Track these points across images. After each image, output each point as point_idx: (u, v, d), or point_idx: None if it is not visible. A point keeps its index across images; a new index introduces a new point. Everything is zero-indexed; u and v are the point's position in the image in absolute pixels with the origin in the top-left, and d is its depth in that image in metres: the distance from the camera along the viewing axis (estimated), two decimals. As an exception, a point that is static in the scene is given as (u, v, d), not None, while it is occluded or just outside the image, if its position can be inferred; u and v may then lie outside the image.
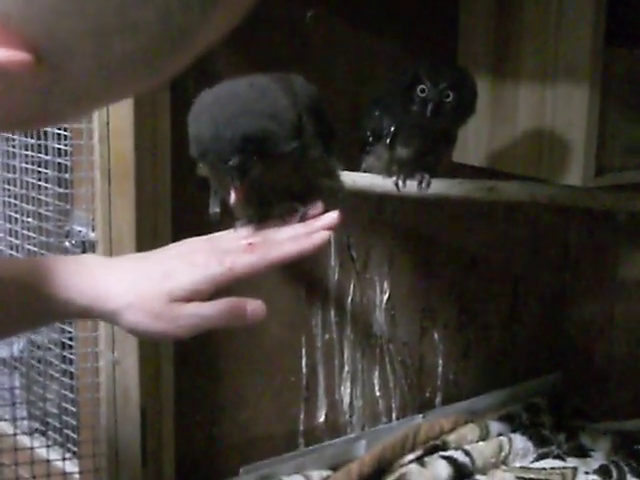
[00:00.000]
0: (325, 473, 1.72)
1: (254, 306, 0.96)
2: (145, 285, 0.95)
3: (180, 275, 0.95)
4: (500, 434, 1.85)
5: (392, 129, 1.43)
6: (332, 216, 1.01)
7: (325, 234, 1.00)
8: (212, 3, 0.52)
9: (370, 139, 1.47)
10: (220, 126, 0.95)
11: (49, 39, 0.50)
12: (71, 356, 1.55)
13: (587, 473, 1.76)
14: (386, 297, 1.82)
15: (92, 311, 0.96)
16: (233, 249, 0.98)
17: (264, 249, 0.98)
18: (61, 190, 1.49)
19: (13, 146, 1.54)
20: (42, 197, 1.52)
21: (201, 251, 0.98)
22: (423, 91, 1.39)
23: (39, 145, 1.49)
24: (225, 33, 0.57)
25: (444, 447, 1.79)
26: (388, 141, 1.44)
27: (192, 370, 1.60)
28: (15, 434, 1.59)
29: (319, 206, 1.03)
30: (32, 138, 1.50)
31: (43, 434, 1.60)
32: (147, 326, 0.95)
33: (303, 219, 1.02)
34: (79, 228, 1.51)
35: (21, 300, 0.96)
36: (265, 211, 1.04)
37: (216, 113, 0.96)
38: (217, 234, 1.04)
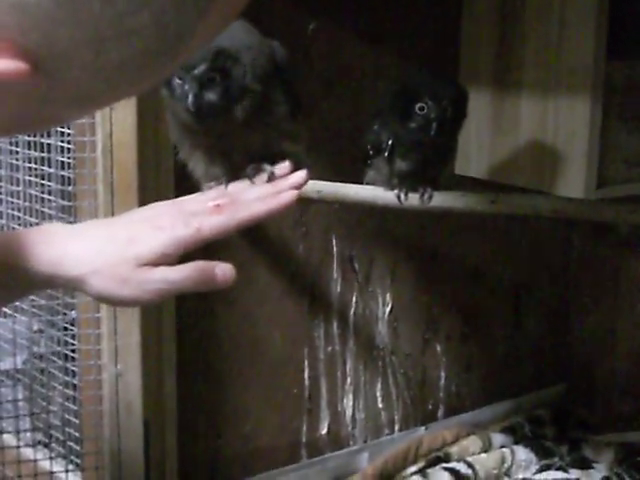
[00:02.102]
0: (327, 485, 1.72)
1: (223, 269, 0.93)
2: (111, 250, 0.93)
3: (146, 239, 0.93)
4: (503, 446, 1.85)
5: (390, 142, 1.43)
6: (300, 175, 1.00)
7: (293, 193, 0.98)
8: (207, 5, 0.52)
9: (370, 152, 1.47)
10: None
11: (45, 48, 0.50)
12: (74, 368, 1.55)
13: (590, 485, 1.77)
14: (388, 309, 1.82)
15: (58, 279, 0.94)
16: (200, 211, 0.96)
17: (232, 209, 0.96)
18: (64, 203, 1.49)
19: (17, 159, 1.54)
20: (45, 210, 1.52)
21: (167, 214, 0.96)
22: (422, 109, 1.39)
23: (42, 158, 1.49)
24: (220, 32, 0.57)
25: (446, 459, 1.79)
26: (386, 154, 1.44)
27: (195, 382, 1.60)
28: (18, 446, 1.59)
29: (287, 166, 1.02)
30: (36, 151, 1.50)
31: (46, 446, 1.60)
32: (114, 292, 0.92)
33: (271, 179, 1.01)
34: (82, 241, 1.51)
35: None
36: (233, 173, 1.03)
37: None
38: (183, 197, 1.02)
